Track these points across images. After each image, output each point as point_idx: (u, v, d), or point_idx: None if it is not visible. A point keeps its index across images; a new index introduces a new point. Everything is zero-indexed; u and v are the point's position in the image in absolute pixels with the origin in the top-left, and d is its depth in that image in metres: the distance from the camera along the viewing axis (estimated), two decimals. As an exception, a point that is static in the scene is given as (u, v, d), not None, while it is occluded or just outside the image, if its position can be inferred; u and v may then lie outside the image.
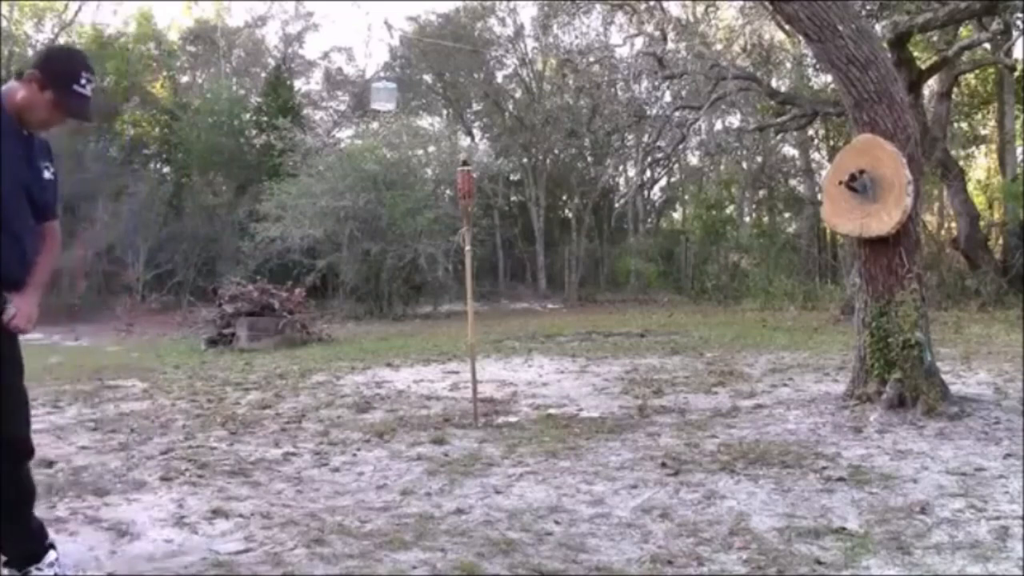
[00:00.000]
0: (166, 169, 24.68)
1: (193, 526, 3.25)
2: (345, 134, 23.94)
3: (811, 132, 20.90)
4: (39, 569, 2.64)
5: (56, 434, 5.10)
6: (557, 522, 3.24)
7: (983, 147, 22.47)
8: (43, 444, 4.81)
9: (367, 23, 53.47)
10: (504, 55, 26.19)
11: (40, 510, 3.46)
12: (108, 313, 18.20)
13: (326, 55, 27.92)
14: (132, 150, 23.93)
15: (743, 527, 3.12)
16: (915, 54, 13.93)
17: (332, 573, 2.77)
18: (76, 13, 23.85)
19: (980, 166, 23.08)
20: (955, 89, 16.89)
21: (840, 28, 5.14)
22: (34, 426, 5.44)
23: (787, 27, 13.37)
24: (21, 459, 2.65)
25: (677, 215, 29.24)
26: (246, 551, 2.96)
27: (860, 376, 5.32)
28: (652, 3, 15.86)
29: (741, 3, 16.06)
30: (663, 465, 4.03)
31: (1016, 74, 16.17)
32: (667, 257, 25.36)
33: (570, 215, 27.74)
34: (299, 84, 26.88)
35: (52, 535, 3.14)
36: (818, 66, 15.48)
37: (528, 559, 2.85)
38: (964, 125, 21.02)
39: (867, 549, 2.87)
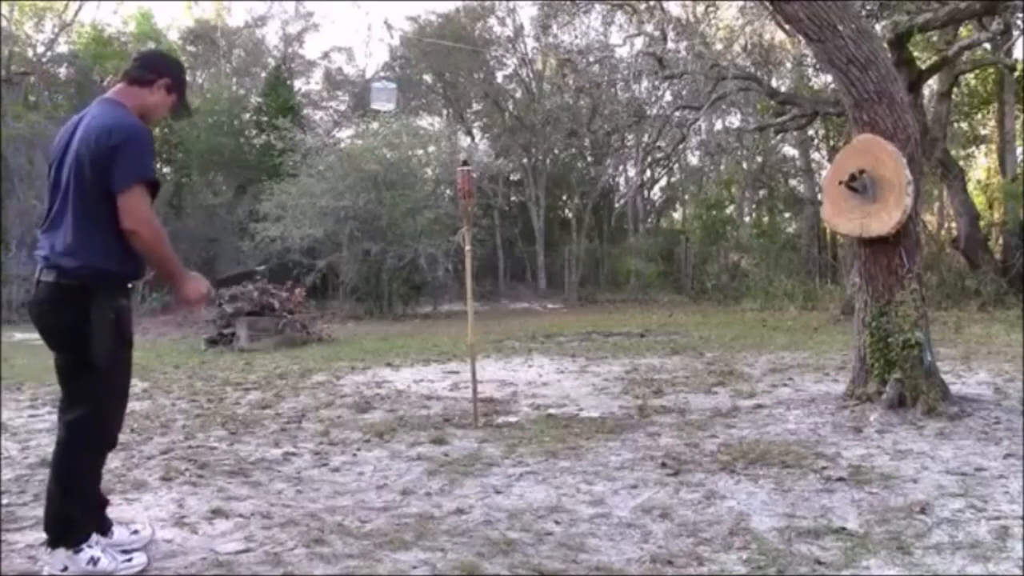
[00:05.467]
0: (166, 169, 24.67)
1: (193, 526, 3.25)
2: (345, 134, 23.93)
3: (811, 132, 20.91)
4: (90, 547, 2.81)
5: (56, 434, 5.09)
6: (557, 522, 3.24)
7: (983, 147, 22.48)
8: (43, 444, 4.81)
9: (367, 23, 53.66)
10: (504, 55, 26.20)
11: (40, 510, 3.46)
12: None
13: (326, 55, 27.97)
14: (132, 150, 23.88)
15: (743, 527, 3.13)
16: (915, 54, 13.93)
17: (332, 573, 2.77)
18: (76, 13, 23.84)
19: (980, 166, 23.10)
20: (955, 89, 16.90)
21: (840, 28, 5.13)
22: (35, 426, 5.46)
23: (787, 27, 13.36)
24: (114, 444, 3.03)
25: (677, 215, 29.26)
26: (246, 551, 2.96)
27: (860, 376, 5.32)
28: (652, 3, 15.87)
29: (741, 3, 16.06)
30: (663, 465, 4.03)
31: (1016, 74, 16.17)
32: (667, 257, 25.37)
33: (570, 215, 27.75)
34: (299, 84, 26.90)
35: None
36: (818, 66, 15.50)
37: (528, 559, 2.86)
38: (964, 125, 21.04)
39: (867, 549, 2.87)
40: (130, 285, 2.90)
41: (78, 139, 2.79)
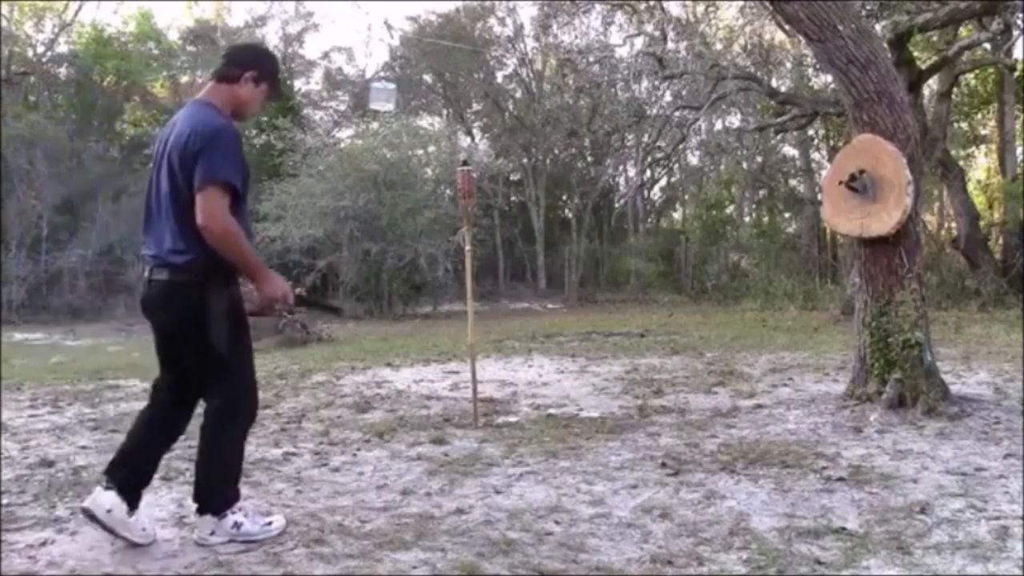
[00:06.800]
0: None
1: (193, 526, 3.24)
2: (345, 134, 23.92)
3: (811, 132, 20.90)
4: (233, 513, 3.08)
5: (56, 434, 5.10)
6: (557, 522, 3.24)
7: (983, 147, 22.47)
8: (43, 444, 4.81)
9: (367, 23, 53.63)
10: (504, 55, 26.19)
11: (40, 509, 3.47)
12: (108, 313, 18.20)
13: (326, 55, 27.92)
14: (132, 150, 23.91)
15: (743, 527, 3.13)
16: (915, 54, 13.92)
17: (332, 573, 2.77)
18: (76, 13, 23.85)
19: (980, 166, 23.09)
20: (955, 89, 16.88)
21: (840, 28, 5.13)
22: (34, 426, 5.46)
23: (787, 27, 13.36)
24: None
25: (677, 215, 29.25)
26: (246, 551, 2.96)
27: (860, 376, 5.32)
28: (652, 3, 15.86)
29: (741, 3, 16.06)
30: (663, 465, 4.03)
31: (1016, 74, 16.16)
32: (667, 257, 25.37)
33: (570, 215, 27.74)
34: (299, 84, 26.87)
35: (52, 535, 3.15)
36: (818, 66, 15.49)
37: (528, 559, 2.86)
38: (964, 125, 21.02)
39: (867, 549, 2.87)
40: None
41: (170, 143, 2.96)
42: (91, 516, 2.93)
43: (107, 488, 2.96)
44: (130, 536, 2.96)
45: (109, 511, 2.91)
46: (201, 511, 3.05)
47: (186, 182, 2.88)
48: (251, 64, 3.12)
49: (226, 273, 2.97)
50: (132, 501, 2.99)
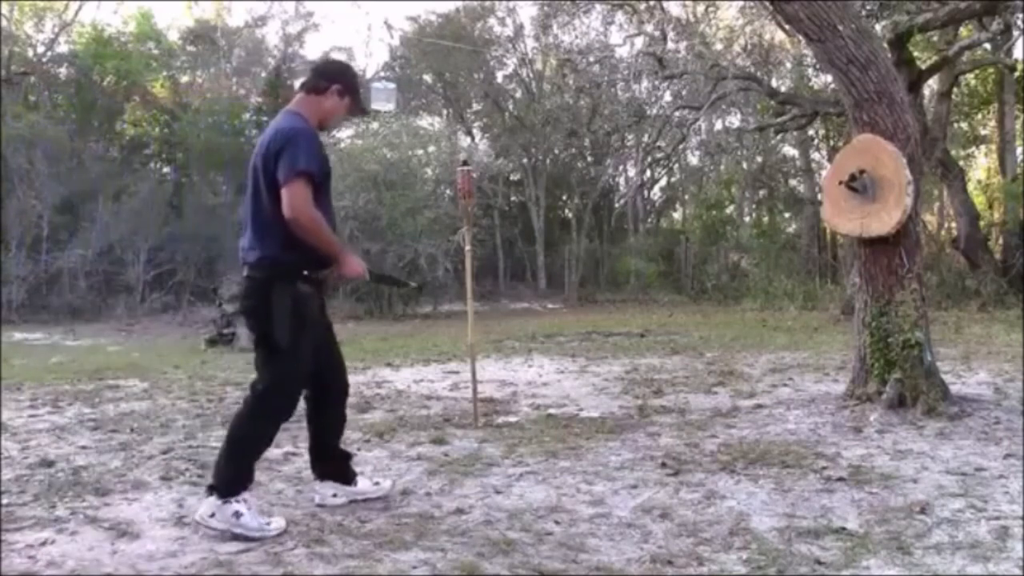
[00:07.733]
0: (166, 169, 24.64)
1: (193, 526, 3.24)
2: (345, 134, 23.90)
3: (811, 132, 20.90)
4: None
5: (56, 434, 5.10)
6: (557, 522, 3.24)
7: (983, 147, 22.46)
8: (43, 444, 4.81)
9: (367, 23, 53.58)
10: (504, 55, 26.17)
11: (40, 509, 3.47)
12: (108, 313, 18.20)
13: (326, 55, 27.87)
14: (132, 150, 23.91)
15: (743, 527, 3.13)
16: (915, 54, 13.92)
17: (332, 573, 2.77)
18: (76, 13, 23.83)
19: (980, 166, 23.08)
20: (955, 89, 16.88)
21: (840, 28, 5.13)
22: (34, 426, 5.46)
23: (787, 27, 13.36)
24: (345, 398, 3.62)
25: (677, 215, 29.21)
26: (246, 551, 2.96)
27: (860, 376, 5.32)
28: (652, 3, 15.86)
29: (741, 3, 16.06)
30: (663, 465, 4.04)
31: (1016, 74, 16.17)
32: (667, 257, 25.34)
33: (570, 215, 27.70)
34: (299, 84, 26.79)
35: (52, 535, 3.16)
36: (818, 66, 15.49)
37: (528, 559, 2.86)
38: (964, 125, 21.02)
39: (867, 549, 2.87)
40: (306, 273, 3.19)
41: (258, 149, 3.20)
42: (324, 505, 3.43)
43: (320, 480, 3.50)
44: (369, 496, 3.50)
45: (335, 496, 3.45)
46: (209, 490, 3.13)
47: (266, 185, 3.12)
48: (337, 78, 3.38)
49: (292, 272, 3.15)
50: (347, 478, 3.48)
